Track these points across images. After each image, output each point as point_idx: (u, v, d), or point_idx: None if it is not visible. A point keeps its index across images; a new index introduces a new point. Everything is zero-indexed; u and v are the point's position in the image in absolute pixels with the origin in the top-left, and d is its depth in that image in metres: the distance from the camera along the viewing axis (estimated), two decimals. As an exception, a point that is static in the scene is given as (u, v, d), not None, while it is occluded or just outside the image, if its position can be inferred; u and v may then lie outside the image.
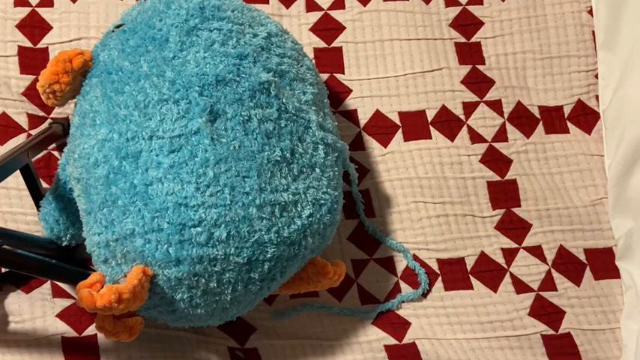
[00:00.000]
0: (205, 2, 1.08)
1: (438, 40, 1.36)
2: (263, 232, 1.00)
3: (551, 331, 1.21)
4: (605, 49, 1.34)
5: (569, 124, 1.36)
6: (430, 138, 1.31)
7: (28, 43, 1.26)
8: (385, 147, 1.30)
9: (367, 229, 1.25)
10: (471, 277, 1.24)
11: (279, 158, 1.03)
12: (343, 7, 1.37)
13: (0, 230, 1.04)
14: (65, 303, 1.12)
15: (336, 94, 1.32)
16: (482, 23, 1.39)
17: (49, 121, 1.23)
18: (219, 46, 1.05)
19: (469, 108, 1.34)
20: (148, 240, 0.96)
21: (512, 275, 1.25)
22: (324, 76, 1.32)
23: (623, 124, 1.26)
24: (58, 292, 1.14)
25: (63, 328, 1.10)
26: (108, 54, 1.06)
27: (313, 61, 1.28)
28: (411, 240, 1.25)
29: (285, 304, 1.19)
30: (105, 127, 1.01)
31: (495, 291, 1.23)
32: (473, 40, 1.38)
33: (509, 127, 1.34)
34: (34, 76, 1.24)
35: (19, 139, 1.20)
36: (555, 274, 1.25)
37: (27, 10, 1.28)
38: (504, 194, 1.30)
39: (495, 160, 1.31)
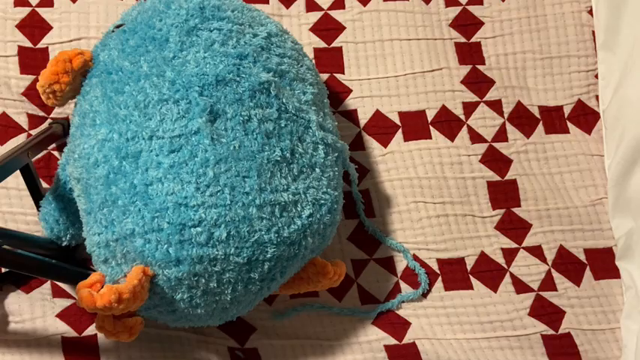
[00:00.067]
0: (205, 2, 1.08)
1: (438, 40, 1.36)
2: (263, 232, 1.00)
3: (551, 331, 1.21)
4: (605, 49, 1.34)
5: (569, 124, 1.36)
6: (430, 138, 1.31)
7: (28, 43, 1.26)
8: (385, 147, 1.30)
9: (367, 229, 1.25)
10: (470, 277, 1.24)
11: (279, 158, 1.03)
12: (343, 7, 1.37)
13: (0, 230, 1.04)
14: (65, 303, 1.12)
15: (336, 94, 1.32)
16: (482, 23, 1.39)
17: (49, 121, 1.23)
18: (219, 46, 1.05)
19: (469, 108, 1.34)
20: (148, 240, 0.96)
21: (512, 275, 1.25)
22: (324, 76, 1.32)
23: (623, 124, 1.26)
24: (58, 292, 1.14)
25: (63, 328, 1.10)
26: (108, 54, 1.06)
27: (313, 61, 1.28)
28: (411, 240, 1.25)
29: (285, 304, 1.19)
30: (105, 127, 1.01)
31: (495, 291, 1.23)
32: (473, 40, 1.38)
33: (509, 127, 1.34)
34: (34, 76, 1.24)
35: (19, 139, 1.20)
36: (555, 274, 1.25)
37: (27, 10, 1.28)
38: (504, 194, 1.30)
39: (495, 160, 1.31)
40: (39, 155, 1.19)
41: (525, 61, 1.38)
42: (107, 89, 1.03)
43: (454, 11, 1.39)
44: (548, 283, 1.25)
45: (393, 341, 1.18)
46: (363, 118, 1.31)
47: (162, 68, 1.02)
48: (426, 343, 1.18)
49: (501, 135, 1.33)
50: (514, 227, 1.28)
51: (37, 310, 1.11)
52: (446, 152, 1.30)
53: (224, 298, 1.00)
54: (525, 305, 1.22)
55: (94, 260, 1.01)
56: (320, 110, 1.12)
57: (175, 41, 1.04)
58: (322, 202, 1.05)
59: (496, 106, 1.34)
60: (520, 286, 1.24)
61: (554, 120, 1.36)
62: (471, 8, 1.39)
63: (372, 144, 1.30)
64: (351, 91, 1.33)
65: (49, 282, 1.14)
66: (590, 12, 1.39)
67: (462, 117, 1.33)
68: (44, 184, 1.17)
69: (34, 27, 1.27)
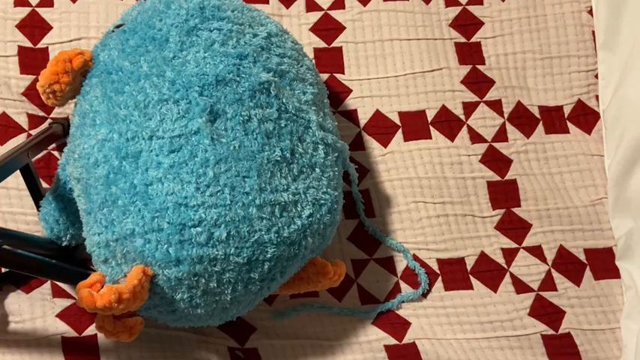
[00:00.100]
0: (205, 2, 1.08)
1: (438, 40, 1.36)
2: (263, 232, 1.00)
3: (551, 331, 1.21)
4: (605, 49, 1.34)
5: (569, 124, 1.36)
6: (430, 138, 1.31)
7: (28, 43, 1.26)
8: (385, 147, 1.30)
9: (367, 229, 1.25)
10: (471, 277, 1.24)
11: (279, 158, 1.03)
12: (343, 7, 1.37)
13: (0, 230, 1.04)
14: (65, 303, 1.12)
15: (336, 94, 1.32)
16: (482, 23, 1.39)
17: (49, 121, 1.23)
18: (219, 46, 1.05)
19: (469, 108, 1.34)
20: (148, 240, 0.96)
21: (512, 275, 1.25)
22: (324, 76, 1.32)
23: (623, 124, 1.26)
24: (58, 292, 1.14)
25: (63, 328, 1.10)
26: (108, 54, 1.06)
27: (313, 61, 1.28)
28: (411, 240, 1.25)
29: (285, 304, 1.19)
30: (105, 127, 1.01)
31: (495, 291, 1.23)
32: (473, 40, 1.38)
33: (509, 127, 1.34)
34: (34, 76, 1.24)
35: (19, 139, 1.20)
36: (555, 274, 1.25)
37: (27, 10, 1.28)
38: (504, 194, 1.30)
39: (495, 160, 1.31)
40: (39, 155, 1.19)
41: (525, 61, 1.38)
42: (107, 89, 1.03)
43: (454, 11, 1.39)
44: (548, 283, 1.25)
45: (393, 341, 1.18)
46: (363, 118, 1.31)
47: (162, 68, 1.02)
48: (426, 343, 1.18)
49: (501, 135, 1.33)
50: (514, 227, 1.28)
51: (37, 310, 1.11)
52: (446, 152, 1.30)
53: (224, 298, 1.00)
54: (525, 305, 1.22)
55: (94, 260, 1.01)
56: (320, 110, 1.12)
57: (175, 41, 1.04)
58: (322, 202, 1.05)
59: (496, 106, 1.34)
60: (520, 286, 1.24)
61: (554, 120, 1.36)
62: (471, 8, 1.39)
63: (372, 144, 1.30)
64: (351, 91, 1.33)
65: (49, 282, 1.14)
66: (590, 12, 1.39)
67: (462, 117, 1.33)
68: (44, 184, 1.17)
69: (34, 27, 1.27)
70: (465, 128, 1.32)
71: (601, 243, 1.28)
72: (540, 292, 1.24)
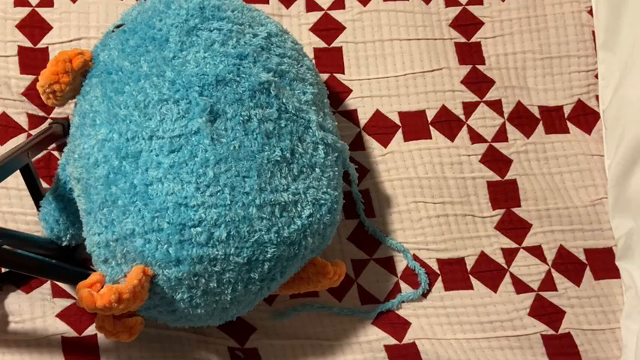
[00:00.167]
0: (205, 2, 1.08)
1: (438, 40, 1.36)
2: (263, 232, 1.00)
3: (551, 331, 1.21)
4: (605, 49, 1.34)
5: (569, 124, 1.36)
6: (430, 138, 1.31)
7: (28, 43, 1.26)
8: (385, 147, 1.30)
9: (367, 229, 1.25)
10: (471, 277, 1.24)
11: (279, 158, 1.03)
12: (343, 7, 1.37)
13: (0, 230, 1.04)
14: (65, 303, 1.12)
15: (336, 94, 1.32)
16: (482, 23, 1.39)
17: (49, 121, 1.23)
18: (219, 46, 1.05)
19: (469, 108, 1.34)
20: (148, 240, 0.96)
21: (512, 275, 1.25)
22: (324, 76, 1.32)
23: (623, 124, 1.26)
24: (58, 292, 1.14)
25: (63, 328, 1.10)
26: (108, 54, 1.06)
27: (313, 61, 1.28)
28: (411, 240, 1.25)
29: (285, 304, 1.19)
30: (105, 127, 1.01)
31: (495, 291, 1.23)
32: (473, 40, 1.38)
33: (509, 127, 1.34)
34: (34, 76, 1.24)
35: (19, 139, 1.20)
36: (555, 274, 1.25)
37: (27, 10, 1.28)
38: (504, 194, 1.30)
39: (495, 160, 1.31)
40: (39, 155, 1.19)
41: (525, 61, 1.38)
42: (107, 89, 1.03)
43: (454, 11, 1.39)
44: (548, 283, 1.25)
45: (393, 341, 1.18)
46: (363, 118, 1.31)
47: (162, 68, 1.02)
48: (426, 343, 1.18)
49: (501, 135, 1.33)
50: (514, 227, 1.28)
51: (37, 310, 1.11)
52: (446, 152, 1.30)
53: (224, 298, 1.00)
54: (525, 305, 1.22)
55: (94, 260, 1.01)
56: (320, 110, 1.12)
57: (175, 41, 1.04)
58: (322, 202, 1.05)
59: (496, 106, 1.34)
60: (520, 286, 1.24)
61: (554, 120, 1.36)
62: (471, 8, 1.39)
63: (372, 144, 1.30)
64: (351, 91, 1.33)
65: (49, 282, 1.14)
66: (590, 12, 1.39)
67: (462, 117, 1.33)
68: (44, 184, 1.17)
69: (34, 27, 1.27)
70: (465, 128, 1.32)
71: (601, 243, 1.28)
72: (540, 292, 1.24)
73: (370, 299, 1.21)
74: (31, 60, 1.25)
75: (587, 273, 1.26)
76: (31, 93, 1.23)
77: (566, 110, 1.36)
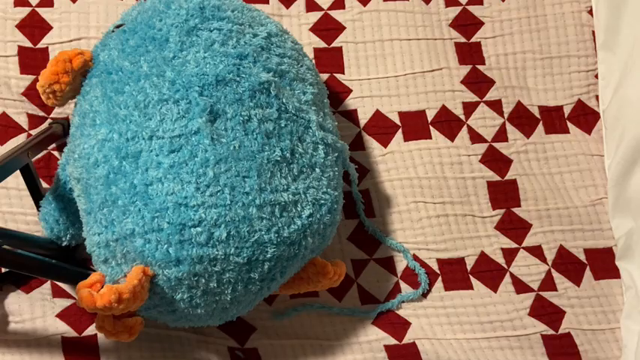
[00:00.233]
0: (205, 2, 1.08)
1: (438, 40, 1.36)
2: (263, 232, 1.00)
3: (551, 331, 1.21)
4: (605, 49, 1.34)
5: (569, 124, 1.36)
6: (430, 138, 1.31)
7: (28, 43, 1.26)
8: (385, 147, 1.30)
9: (367, 229, 1.25)
10: (471, 277, 1.24)
11: (279, 158, 1.03)
12: (343, 7, 1.37)
13: (0, 230, 1.04)
14: (65, 303, 1.12)
15: (336, 94, 1.32)
16: (482, 23, 1.39)
17: (49, 121, 1.23)
18: (219, 46, 1.05)
19: (469, 108, 1.34)
20: (148, 240, 0.96)
21: (512, 275, 1.25)
22: (324, 76, 1.32)
23: (623, 124, 1.26)
24: (58, 292, 1.14)
25: (63, 328, 1.10)
26: (108, 54, 1.06)
27: (313, 61, 1.28)
28: (411, 240, 1.25)
29: (285, 304, 1.19)
30: (105, 127, 1.01)
31: (495, 291, 1.23)
32: (473, 40, 1.38)
33: (509, 127, 1.34)
34: (34, 76, 1.24)
35: (19, 139, 1.20)
36: (555, 274, 1.25)
37: (27, 10, 1.28)
38: (504, 194, 1.30)
39: (495, 160, 1.31)
40: (39, 155, 1.19)
41: (525, 61, 1.38)
42: (107, 89, 1.03)
43: (454, 11, 1.39)
44: (548, 283, 1.25)
45: (393, 341, 1.18)
46: (363, 118, 1.31)
47: (162, 68, 1.02)
48: (426, 343, 1.18)
49: (501, 135, 1.33)
50: (514, 227, 1.28)
51: (37, 310, 1.11)
52: (446, 152, 1.30)
53: (224, 298, 1.00)
54: (525, 305, 1.22)
55: (94, 260, 1.01)
56: (320, 110, 1.12)
57: (175, 41, 1.04)
58: (322, 202, 1.05)
59: (496, 106, 1.34)
60: (520, 286, 1.24)
61: (554, 120, 1.36)
62: (471, 8, 1.39)
63: (372, 144, 1.30)
64: (351, 91, 1.33)
65: (49, 282, 1.14)
66: (590, 12, 1.39)
67: (462, 117, 1.33)
68: (44, 184, 1.17)
69: (34, 27, 1.27)
70: (465, 128, 1.32)
71: (601, 243, 1.28)
72: (540, 292, 1.24)
73: (370, 299, 1.22)
74: (31, 60, 1.25)
75: (587, 273, 1.26)
76: (31, 93, 1.23)
77: (566, 110, 1.36)
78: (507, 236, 1.27)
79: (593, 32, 1.38)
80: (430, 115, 1.32)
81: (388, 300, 1.21)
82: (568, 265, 1.26)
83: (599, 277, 1.26)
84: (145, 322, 1.05)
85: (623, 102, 1.27)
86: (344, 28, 1.36)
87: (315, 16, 1.36)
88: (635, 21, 1.26)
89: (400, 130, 1.31)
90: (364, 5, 1.37)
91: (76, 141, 1.04)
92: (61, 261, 1.08)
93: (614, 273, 1.26)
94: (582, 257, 1.27)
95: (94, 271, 1.02)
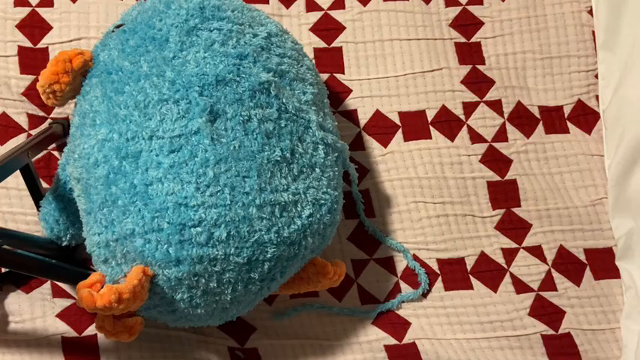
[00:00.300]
0: (205, 2, 1.08)
1: (438, 40, 1.36)
2: (263, 232, 1.00)
3: (551, 331, 1.21)
4: (605, 49, 1.34)
5: (569, 124, 1.36)
6: (430, 138, 1.31)
7: (28, 43, 1.26)
8: (385, 147, 1.30)
9: (367, 229, 1.25)
10: (471, 277, 1.24)
11: (279, 158, 1.03)
12: (343, 7, 1.37)
13: (0, 230, 1.04)
14: (65, 303, 1.12)
15: (336, 94, 1.32)
16: (482, 23, 1.39)
17: (49, 121, 1.23)
18: (219, 46, 1.05)
19: (469, 108, 1.34)
20: (148, 240, 0.96)
21: (512, 275, 1.25)
22: (324, 76, 1.32)
23: (623, 124, 1.26)
24: (58, 292, 1.14)
25: (63, 328, 1.10)
26: (108, 54, 1.06)
27: (313, 61, 1.28)
28: (411, 240, 1.25)
29: (285, 304, 1.19)
30: (105, 127, 1.01)
31: (495, 291, 1.23)
32: (473, 40, 1.38)
33: (509, 127, 1.34)
34: (34, 76, 1.24)
35: (19, 139, 1.20)
36: (555, 274, 1.25)
37: (27, 10, 1.28)
38: (504, 194, 1.30)
39: (495, 160, 1.31)
40: (39, 155, 1.19)
41: (525, 61, 1.38)
42: (107, 89, 1.03)
43: (454, 11, 1.39)
44: (548, 283, 1.25)
45: (393, 341, 1.18)
46: (363, 118, 1.31)
47: (162, 68, 1.02)
48: (426, 343, 1.18)
49: (501, 135, 1.33)
50: (514, 227, 1.28)
51: (37, 310, 1.11)
52: (446, 152, 1.30)
53: (224, 298, 1.00)
54: (525, 305, 1.22)
55: (94, 260, 1.01)
56: (320, 110, 1.12)
57: (175, 41, 1.04)
58: (322, 202, 1.05)
59: (496, 106, 1.34)
60: (520, 286, 1.24)
61: (554, 120, 1.36)
62: (471, 8, 1.39)
63: (372, 144, 1.30)
64: (351, 91, 1.33)
65: (49, 282, 1.14)
66: (590, 12, 1.39)
67: (462, 117, 1.33)
68: (44, 184, 1.17)
69: (34, 27, 1.27)
70: (465, 128, 1.32)
71: (601, 243, 1.28)
72: (540, 292, 1.24)
73: (370, 299, 1.21)
74: (31, 60, 1.25)
75: (587, 273, 1.26)
76: (31, 93, 1.23)
77: (566, 110, 1.36)
78: (507, 236, 1.27)
79: (593, 32, 1.38)
80: (430, 115, 1.32)
81: (388, 300, 1.21)
82: (568, 265, 1.26)
83: (599, 277, 1.26)
84: (145, 322, 1.05)
85: (623, 102, 1.27)
86: (344, 28, 1.36)
87: (315, 16, 1.36)
88: (635, 21, 1.26)
89: (400, 130, 1.31)
90: (364, 5, 1.37)
91: (76, 141, 1.04)
92: (61, 261, 1.08)
93: (614, 273, 1.26)
94: (582, 257, 1.27)
95: (94, 271, 1.02)
